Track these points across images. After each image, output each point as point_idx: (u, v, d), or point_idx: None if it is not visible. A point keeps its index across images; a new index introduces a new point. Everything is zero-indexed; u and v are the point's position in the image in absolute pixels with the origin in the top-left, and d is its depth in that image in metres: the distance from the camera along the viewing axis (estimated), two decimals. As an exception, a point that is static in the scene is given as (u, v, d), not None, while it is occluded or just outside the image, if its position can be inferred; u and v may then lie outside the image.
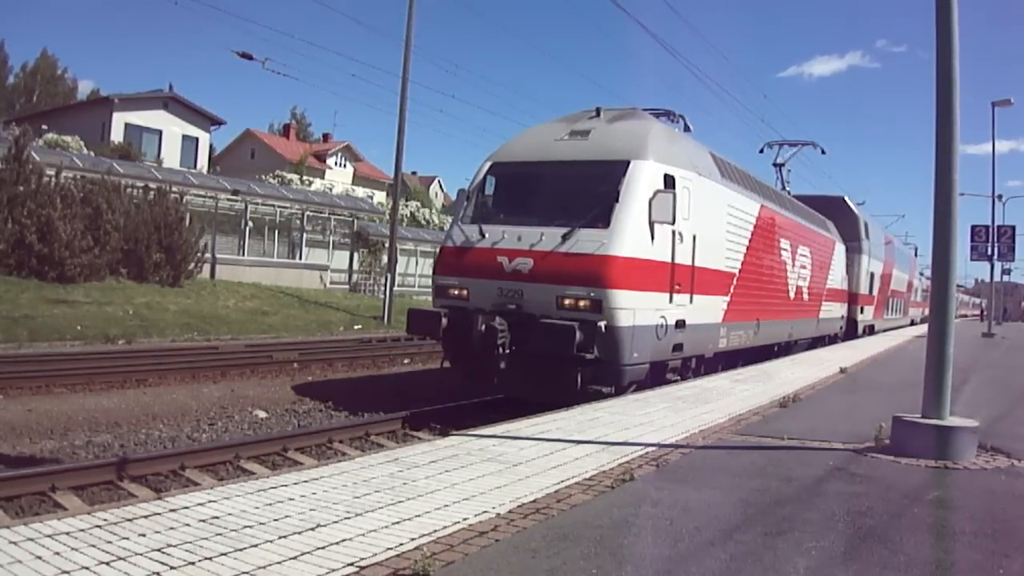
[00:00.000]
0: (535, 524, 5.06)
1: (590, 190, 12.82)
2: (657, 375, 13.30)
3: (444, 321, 12.66)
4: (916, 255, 57.23)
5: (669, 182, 13.00)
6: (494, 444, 7.61)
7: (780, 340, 21.45)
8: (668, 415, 9.70)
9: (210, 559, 4.20)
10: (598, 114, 14.34)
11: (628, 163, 12.67)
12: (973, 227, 39.62)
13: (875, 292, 33.67)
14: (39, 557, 4.11)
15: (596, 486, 6.09)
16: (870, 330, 33.58)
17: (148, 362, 16.20)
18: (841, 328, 28.92)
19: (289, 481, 5.99)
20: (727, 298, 16.08)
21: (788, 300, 21.37)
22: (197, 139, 53.08)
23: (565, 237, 12.21)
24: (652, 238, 12.55)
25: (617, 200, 12.31)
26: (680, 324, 13.54)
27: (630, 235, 12.16)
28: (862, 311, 31.31)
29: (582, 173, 13.15)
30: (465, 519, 5.08)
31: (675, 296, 13.30)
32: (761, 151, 30.33)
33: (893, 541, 4.97)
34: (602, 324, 11.64)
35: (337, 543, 4.54)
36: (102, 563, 4.07)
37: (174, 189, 30.07)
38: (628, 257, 12.06)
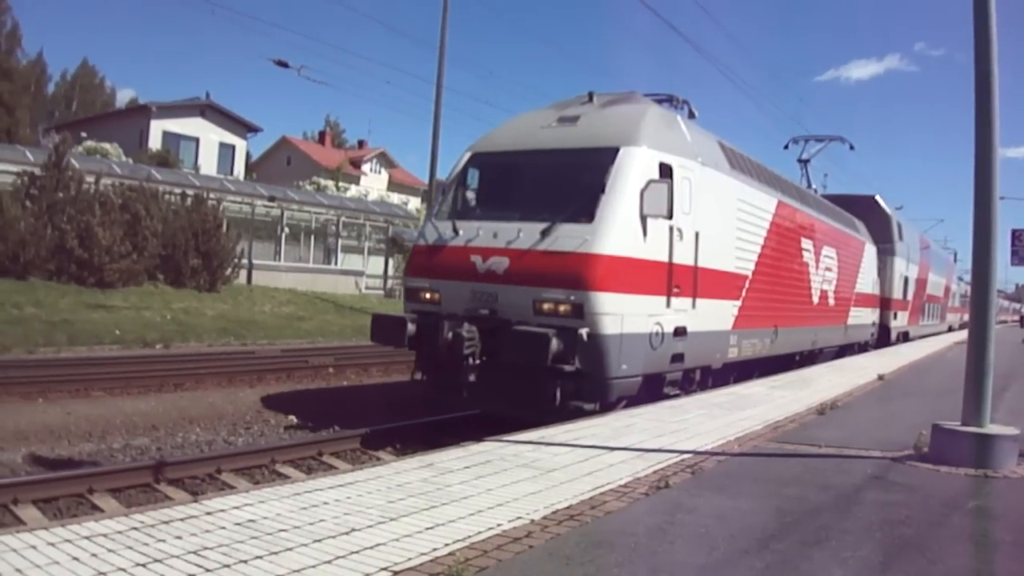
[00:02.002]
0: (569, 531, 5.04)
1: (575, 181, 11.53)
2: (652, 389, 11.80)
3: (411, 328, 11.47)
4: (955, 260, 56.48)
5: (665, 171, 11.63)
6: (528, 450, 7.59)
7: (802, 349, 19.91)
8: (704, 422, 9.63)
9: (245, 562, 4.22)
10: (591, 99, 13.03)
11: (617, 150, 11.32)
12: (1014, 231, 38.93)
13: (910, 297, 32.37)
14: (76, 559, 4.15)
15: (631, 493, 6.05)
16: (904, 337, 32.29)
17: (185, 366, 16.34)
18: (872, 335, 27.64)
19: (324, 485, 6.01)
20: (738, 303, 14.61)
21: (811, 305, 19.86)
22: (234, 146, 53.56)
23: (544, 233, 10.89)
24: (644, 234, 11.21)
25: (603, 191, 10.97)
26: (680, 332, 12.15)
27: (617, 230, 10.84)
28: (895, 317, 29.93)
29: (567, 162, 11.85)
30: (499, 525, 5.07)
31: (673, 300, 11.95)
32: (786, 147, 28.81)
33: (932, 551, 4.90)
34: (584, 331, 10.37)
35: (371, 547, 4.55)
36: (138, 565, 4.10)
37: (211, 196, 30.37)
38: (615, 255, 10.73)
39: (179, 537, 4.57)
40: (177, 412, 12.91)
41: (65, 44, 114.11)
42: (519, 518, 5.24)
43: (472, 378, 11.05)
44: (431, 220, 12.66)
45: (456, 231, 11.78)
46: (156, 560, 4.18)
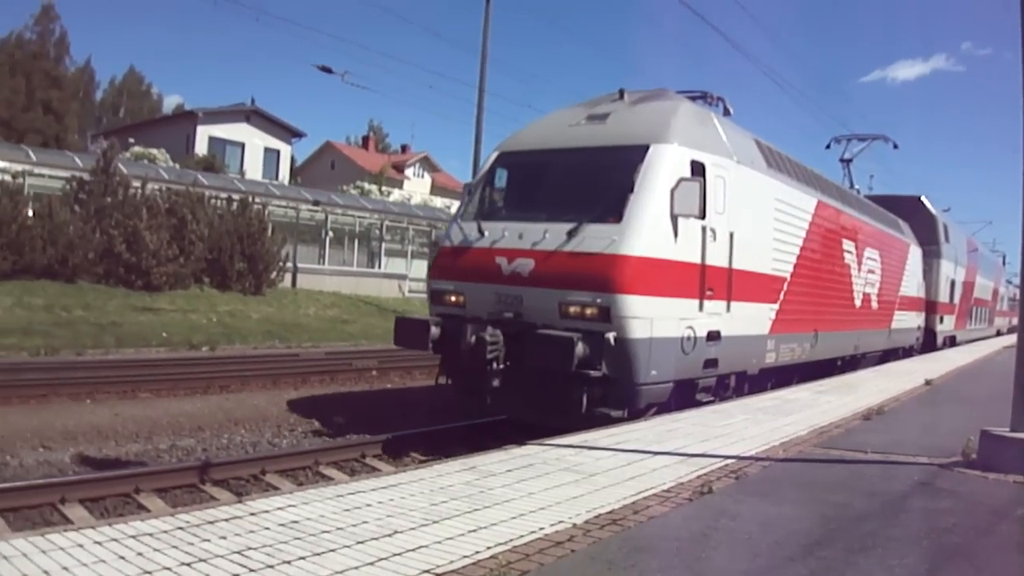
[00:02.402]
0: (611, 535, 5.01)
1: (603, 180, 11.21)
2: (684, 396, 11.45)
3: (434, 331, 11.25)
4: (1004, 263, 55.45)
5: (697, 170, 11.24)
6: (571, 454, 7.57)
7: (844, 354, 19.32)
8: (748, 426, 9.55)
9: (289, 563, 4.24)
10: (621, 96, 12.57)
11: (647, 148, 10.93)
12: (1063, 232, 38.15)
13: (956, 300, 31.31)
14: (122, 557, 4.19)
15: (674, 498, 6.01)
16: (951, 341, 31.33)
17: (231, 368, 16.50)
18: (917, 339, 26.86)
19: (367, 487, 6.03)
20: (775, 306, 14.10)
21: (853, 308, 19.25)
22: (278, 151, 54.03)
23: (571, 234, 10.53)
24: (675, 235, 10.80)
25: (632, 190, 10.59)
26: (713, 336, 11.73)
27: (647, 231, 10.44)
28: (941, 321, 29.07)
29: (595, 161, 11.46)
30: (541, 528, 5.06)
31: (706, 303, 11.53)
32: (828, 147, 27.95)
33: (979, 559, 4.82)
34: (611, 336, 10.02)
35: (414, 550, 4.55)
36: (183, 564, 4.14)
37: (256, 200, 30.65)
38: (643, 256, 10.34)
39: (224, 537, 4.61)
40: (222, 414, 13.04)
41: (112, 52, 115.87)
42: (561, 522, 5.22)
43: (496, 383, 10.81)
44: (457, 221, 12.37)
45: (481, 232, 11.50)
46: (201, 560, 4.22)
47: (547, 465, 7.03)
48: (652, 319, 10.36)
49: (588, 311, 10.24)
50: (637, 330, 10.19)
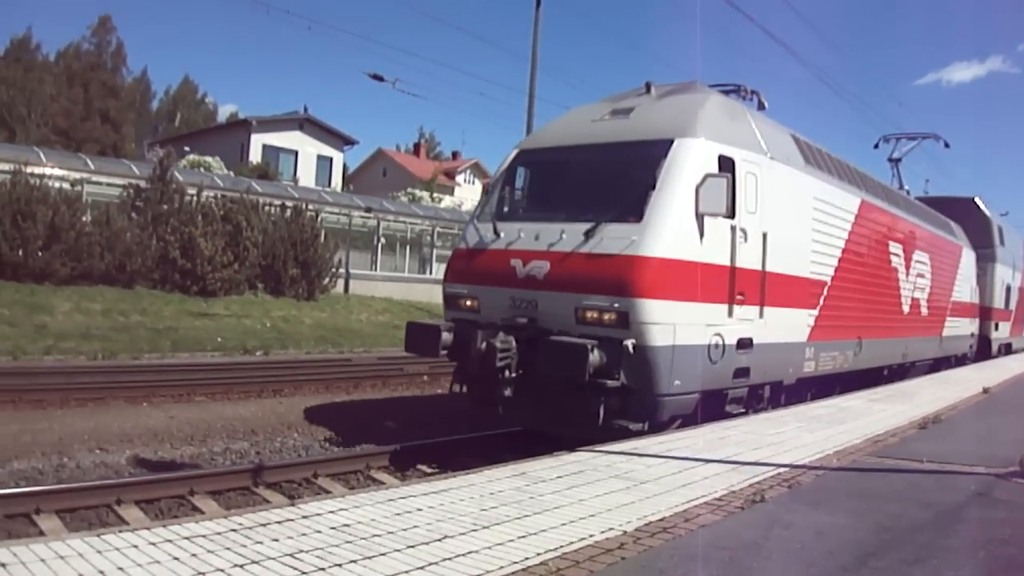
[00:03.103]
0: (662, 543, 4.98)
1: (624, 177, 10.56)
2: (712, 408, 10.68)
3: (446, 337, 10.71)
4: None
5: (726, 165, 10.51)
6: (621, 461, 7.53)
7: (891, 362, 18.26)
8: (801, 435, 9.44)
9: (340, 566, 4.27)
10: (648, 90, 11.92)
11: (671, 142, 10.25)
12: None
13: (1012, 306, 29.98)
14: (176, 558, 4.26)
15: (725, 506, 5.96)
16: (1007, 349, 30.07)
17: (284, 373, 16.67)
18: (971, 347, 25.57)
19: (417, 492, 6.06)
20: (814, 312, 13.21)
21: (900, 314, 18.14)
22: (331, 159, 54.55)
23: (588, 234, 9.92)
24: (701, 235, 10.08)
25: (654, 187, 9.94)
26: (744, 343, 10.95)
27: (669, 230, 9.76)
28: (997, 327, 27.74)
29: (617, 157, 10.81)
30: (591, 535, 5.04)
31: (736, 308, 10.75)
32: (876, 146, 26.80)
33: (1042, 572, 4.71)
34: (629, 343, 9.35)
35: (464, 555, 4.56)
36: (236, 566, 4.19)
37: (310, 207, 30.91)
38: (665, 258, 9.65)
39: (276, 539, 4.66)
40: (275, 417, 13.17)
41: (168, 62, 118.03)
42: (611, 529, 5.20)
43: (508, 392, 10.19)
44: (473, 222, 11.83)
45: (497, 233, 10.95)
46: (253, 561, 4.26)
47: (597, 472, 7.01)
48: (675, 325, 9.69)
49: (606, 316, 9.63)
50: (658, 337, 9.52)
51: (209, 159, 42.59)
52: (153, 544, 4.46)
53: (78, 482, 8.86)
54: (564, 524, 5.29)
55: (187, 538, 4.61)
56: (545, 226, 10.46)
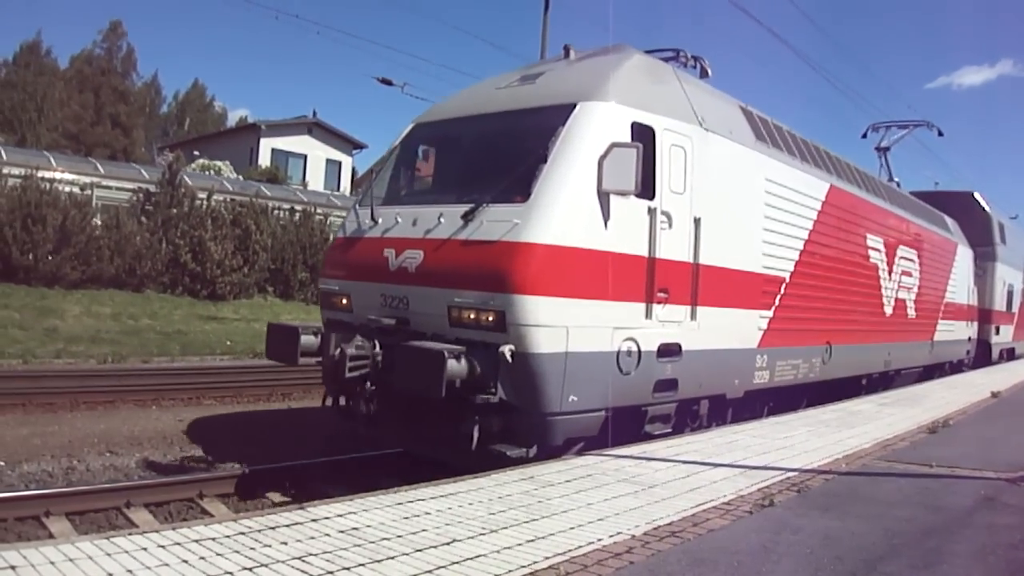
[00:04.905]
0: (671, 547, 4.98)
1: (516, 150, 8.82)
2: (626, 428, 8.84)
3: (308, 341, 9.21)
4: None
5: (642, 135, 8.75)
6: (630, 465, 7.53)
7: (870, 371, 16.28)
8: (810, 439, 9.41)
9: (348, 569, 4.28)
10: (567, 55, 10.30)
11: (573, 107, 8.60)
12: None
13: (1015, 308, 28.12)
14: (185, 561, 4.27)
15: (734, 511, 5.95)
16: (1009, 354, 28.26)
17: (294, 376, 16.65)
18: (968, 353, 23.96)
19: (426, 495, 6.06)
20: (767, 313, 11.40)
21: (882, 317, 16.21)
22: (340, 162, 54.60)
23: (467, 218, 8.27)
24: (605, 218, 8.32)
25: (545, 160, 8.24)
26: (669, 350, 9.24)
27: (560, 212, 8.03)
28: (997, 331, 26.03)
29: (512, 127, 9.25)
30: (599, 540, 5.04)
31: (657, 308, 9.00)
32: (864, 135, 24.53)
33: (1052, 577, 4.70)
34: (507, 349, 7.73)
35: (472, 558, 4.56)
36: (245, 569, 4.20)
37: (319, 211, 31.03)
38: (554, 245, 7.92)
39: (284, 543, 4.67)
40: (287, 421, 13.19)
41: (178, 66, 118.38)
42: (620, 533, 5.20)
43: (366, 408, 8.71)
44: (355, 208, 10.20)
45: (375, 219, 9.40)
46: (262, 564, 4.27)
47: (606, 476, 7.01)
48: (568, 328, 7.98)
49: (482, 317, 8.02)
50: (544, 342, 7.83)
51: (219, 163, 42.70)
52: (162, 547, 4.47)
53: (87, 485, 8.90)
54: (572, 528, 5.29)
55: (196, 541, 4.62)
56: (423, 210, 8.92)
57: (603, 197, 8.28)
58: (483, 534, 5.06)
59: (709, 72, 11.52)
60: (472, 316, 8.08)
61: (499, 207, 8.16)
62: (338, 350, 8.54)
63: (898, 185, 21.14)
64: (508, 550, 4.76)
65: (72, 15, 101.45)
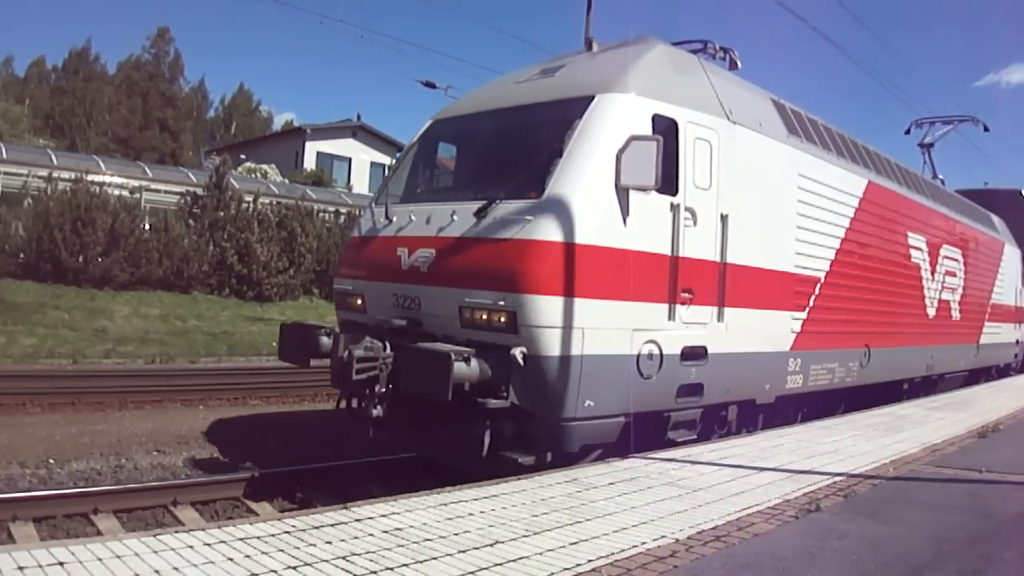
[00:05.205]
0: (714, 552, 4.93)
1: (532, 144, 8.61)
2: (648, 434, 8.45)
3: (324, 343, 9.12)
4: None
5: (663, 127, 8.39)
6: (674, 468, 7.48)
7: (912, 375, 15.53)
8: (857, 443, 9.29)
9: (391, 569, 4.30)
10: (589, 47, 10.01)
11: (591, 99, 8.26)
12: None
13: None
14: (230, 559, 4.31)
15: (779, 515, 5.89)
16: None
17: (337, 378, 16.77)
18: (1016, 356, 23.03)
19: (469, 496, 6.07)
20: (801, 314, 10.91)
21: (924, 319, 15.48)
22: (384, 165, 54.91)
23: (480, 215, 8.02)
24: (624, 214, 7.97)
25: (560, 155, 7.93)
26: (693, 353, 8.83)
27: (576, 208, 7.67)
28: None
29: (529, 121, 8.96)
30: (643, 543, 5.01)
31: (681, 309, 8.61)
32: (907, 131, 23.60)
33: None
34: (518, 352, 7.47)
35: (515, 560, 4.56)
36: (289, 568, 4.23)
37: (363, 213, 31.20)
38: (569, 243, 7.59)
39: (329, 542, 4.69)
40: (334, 420, 13.24)
41: (224, 71, 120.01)
42: (663, 537, 5.16)
43: (376, 411, 8.34)
44: (370, 206, 10.05)
45: (389, 217, 9.20)
46: (306, 564, 4.30)
47: (649, 479, 6.97)
48: (583, 329, 7.64)
49: (494, 318, 7.75)
50: (557, 345, 7.54)
51: (265, 166, 43.18)
52: (208, 545, 4.52)
53: (135, 483, 9.02)
54: (616, 531, 5.26)
55: (241, 539, 4.66)
56: (438, 207, 8.69)
57: (621, 193, 7.95)
58: (526, 536, 5.05)
59: (739, 64, 11.10)
60: (484, 317, 7.83)
61: (512, 203, 7.92)
62: (346, 352, 8.22)
63: (942, 182, 20.26)
64: (551, 552, 4.74)
65: (120, 22, 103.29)
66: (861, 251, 12.63)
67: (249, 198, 28.29)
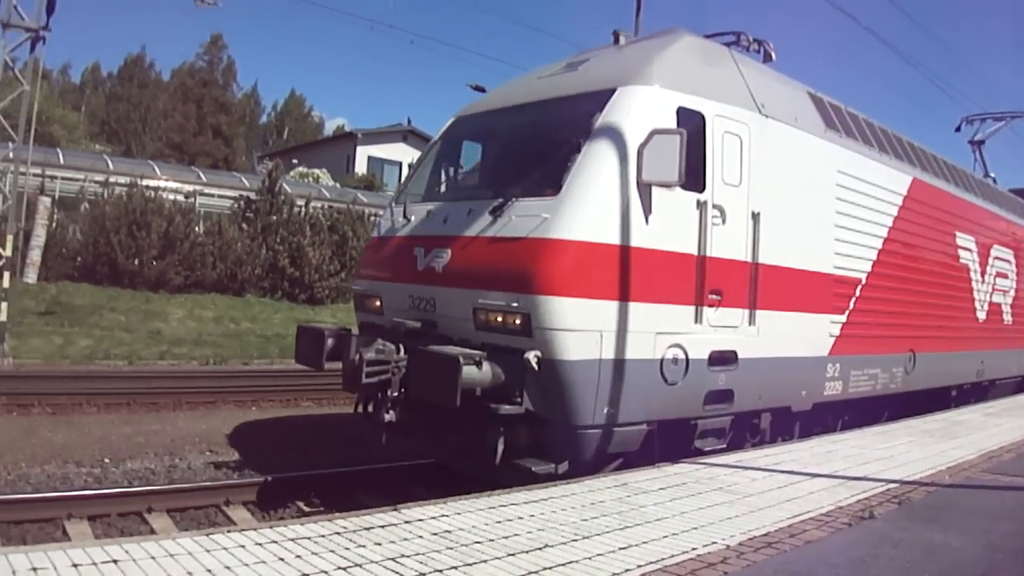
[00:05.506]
0: (766, 559, 4.88)
1: (550, 140, 8.38)
2: (673, 443, 8.20)
3: (332, 344, 8.74)
4: None
5: (688, 120, 8.03)
6: (725, 473, 7.41)
7: (961, 381, 14.81)
8: (912, 449, 9.13)
9: (440, 572, 4.31)
10: (616, 41, 9.56)
11: (612, 92, 7.95)
12: None
13: None
14: (281, 559, 4.35)
15: (832, 522, 5.81)
16: None
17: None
18: None
19: (519, 500, 6.06)
20: (840, 317, 10.44)
21: (974, 322, 14.78)
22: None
23: (496, 213, 7.74)
24: (646, 212, 7.65)
25: (579, 150, 7.65)
26: (723, 358, 8.47)
27: (593, 205, 7.44)
28: None
29: (549, 116, 8.70)
30: (693, 549, 4.97)
31: (708, 312, 8.24)
32: (958, 129, 22.89)
33: None
34: (532, 356, 7.17)
35: (563, 564, 4.54)
36: (340, 568, 4.26)
37: (413, 217, 31.37)
38: (586, 242, 7.31)
39: (378, 543, 4.72)
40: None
41: (276, 77, 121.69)
42: (714, 543, 5.12)
43: (388, 416, 8.14)
44: (390, 206, 9.76)
45: (407, 217, 9.00)
46: (356, 564, 4.33)
47: (700, 484, 6.91)
48: (601, 332, 7.36)
49: (508, 320, 7.45)
50: (573, 348, 7.22)
51: (316, 171, 43.55)
52: (259, 544, 4.56)
53: (188, 483, 9.15)
54: (665, 536, 5.23)
55: (292, 539, 4.70)
56: (455, 206, 8.49)
57: (643, 189, 7.62)
58: (575, 540, 5.04)
59: (773, 56, 10.56)
60: (498, 319, 7.54)
61: (528, 201, 7.63)
62: (356, 356, 8.10)
63: (994, 181, 19.48)
64: (600, 557, 4.72)
65: (174, 30, 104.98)
66: (905, 251, 12.16)
67: (301, 202, 28.59)
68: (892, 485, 7.15)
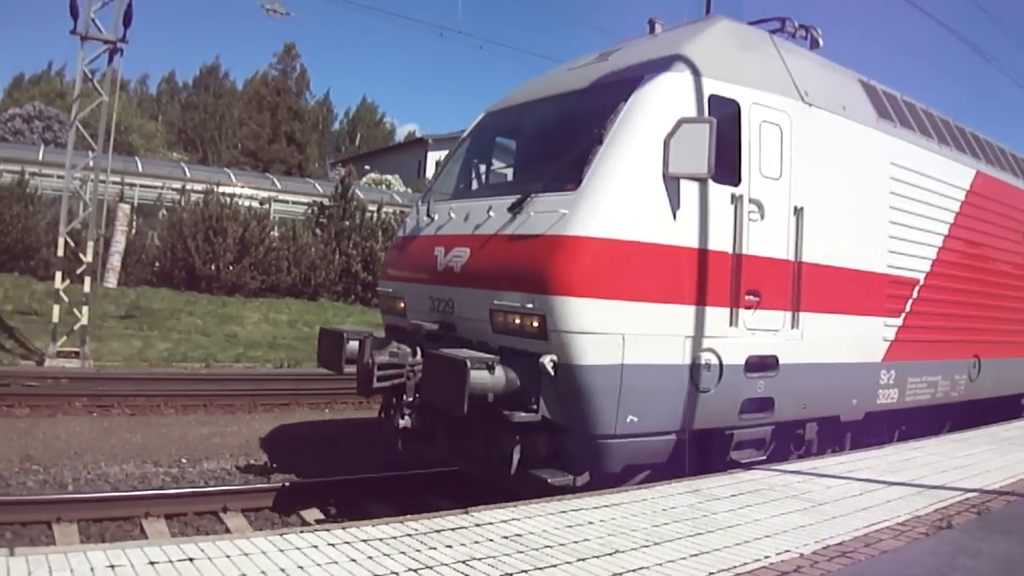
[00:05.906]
0: (840, 568, 4.80)
1: (574, 132, 7.79)
2: (706, 455, 7.73)
3: (352, 348, 8.18)
4: None
5: (722, 108, 7.58)
6: (799, 481, 7.31)
7: None
8: (992, 458, 8.90)
9: (510, 575, 4.32)
10: (652, 29, 9.18)
11: (639, 80, 7.51)
12: None
13: None
14: (353, 560, 4.40)
15: (908, 532, 5.69)
16: None
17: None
18: None
19: (589, 505, 6.04)
20: (895, 320, 9.75)
21: None
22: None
23: (514, 210, 7.32)
24: (674, 207, 7.18)
25: (601, 142, 7.18)
26: (762, 364, 7.96)
27: (615, 199, 6.98)
28: None
29: (574, 108, 8.19)
30: (766, 556, 4.91)
31: (745, 314, 7.72)
32: None
33: None
34: (547, 360, 6.78)
35: (634, 570, 4.53)
36: (410, 570, 4.30)
37: (482, 221, 31.53)
38: (605, 238, 6.87)
39: (449, 546, 4.75)
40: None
41: (348, 85, 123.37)
42: (787, 551, 5.05)
43: (403, 421, 7.69)
44: (416, 205, 9.39)
45: (431, 215, 8.64)
46: (427, 567, 4.36)
47: (773, 491, 6.82)
48: (623, 336, 6.89)
49: (524, 322, 7.04)
50: (592, 353, 6.79)
51: (388, 177, 44.05)
52: (332, 545, 4.62)
53: (263, 483, 9.30)
54: (738, 544, 5.17)
55: (364, 540, 4.75)
56: (476, 203, 8.10)
57: (670, 182, 7.16)
58: (646, 546, 5.01)
59: (820, 42, 9.91)
60: (515, 321, 7.13)
61: (548, 197, 7.20)
62: (368, 359, 7.62)
63: None
64: (671, 563, 4.70)
65: (247, 40, 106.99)
66: (968, 249, 11.38)
67: (373, 208, 28.94)
68: (971, 494, 6.98)
